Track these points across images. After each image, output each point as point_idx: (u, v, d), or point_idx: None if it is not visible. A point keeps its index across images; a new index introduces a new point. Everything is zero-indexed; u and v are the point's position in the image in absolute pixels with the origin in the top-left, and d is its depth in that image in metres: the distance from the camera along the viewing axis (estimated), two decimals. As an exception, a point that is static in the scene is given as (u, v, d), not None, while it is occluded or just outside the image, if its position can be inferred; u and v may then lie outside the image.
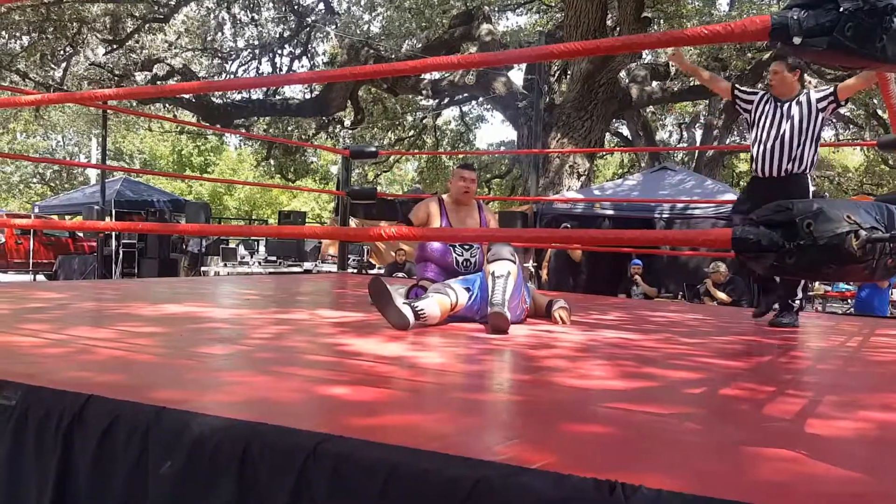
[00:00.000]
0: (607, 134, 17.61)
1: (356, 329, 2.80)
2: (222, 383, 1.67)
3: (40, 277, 14.58)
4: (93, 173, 20.89)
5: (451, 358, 2.27)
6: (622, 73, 12.28)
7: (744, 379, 2.11)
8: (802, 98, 3.60)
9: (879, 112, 16.68)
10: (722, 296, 7.28)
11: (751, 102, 3.75)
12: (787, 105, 3.61)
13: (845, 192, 19.05)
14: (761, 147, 3.64)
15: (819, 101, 3.55)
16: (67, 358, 1.92)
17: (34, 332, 2.30)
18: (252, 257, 13.25)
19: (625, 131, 20.06)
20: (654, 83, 13.45)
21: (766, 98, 3.71)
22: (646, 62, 14.10)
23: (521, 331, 2.98)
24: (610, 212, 8.97)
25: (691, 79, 15.01)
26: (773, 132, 3.61)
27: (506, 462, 1.06)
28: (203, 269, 11.56)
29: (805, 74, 15.85)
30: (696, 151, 19.26)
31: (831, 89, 3.58)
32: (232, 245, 13.44)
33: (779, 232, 1.13)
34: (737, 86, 3.92)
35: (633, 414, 1.55)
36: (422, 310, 2.83)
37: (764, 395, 1.83)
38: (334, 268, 10.08)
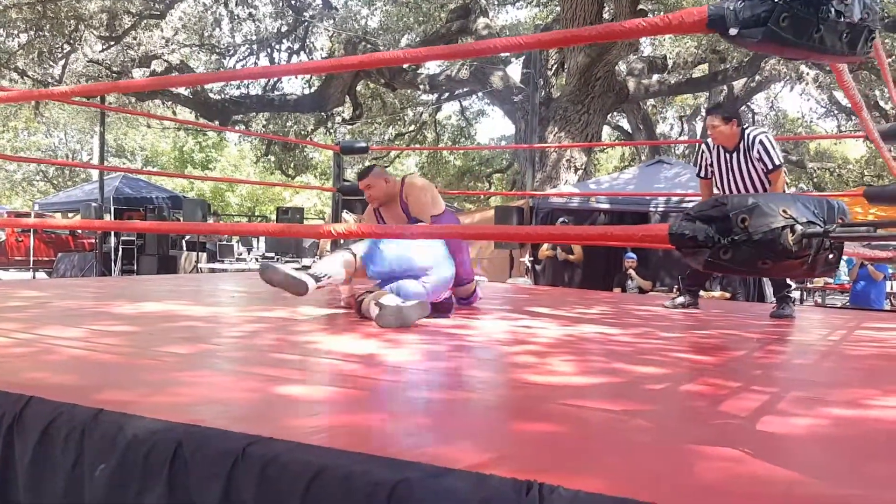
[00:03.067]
0: (608, 127, 17.53)
1: (334, 326, 2.79)
2: (174, 384, 1.65)
3: (41, 275, 14.64)
4: (94, 170, 20.90)
5: (420, 355, 2.25)
6: (620, 67, 12.21)
7: (711, 375, 2.09)
8: (743, 145, 3.82)
9: (881, 103, 16.59)
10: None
11: (710, 156, 4.01)
12: (733, 155, 3.88)
13: (846, 184, 18.96)
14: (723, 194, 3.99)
15: (758, 160, 3.78)
16: (29, 358, 1.91)
17: (2, 332, 2.29)
18: (249, 254, 13.24)
19: (625, 124, 19.96)
20: (654, 76, 13.38)
21: (717, 148, 3.96)
22: (644, 55, 14.02)
23: (499, 326, 2.96)
24: (605, 206, 8.92)
25: (690, 71, 14.96)
26: (727, 182, 3.94)
27: (431, 463, 1.04)
28: (199, 266, 11.56)
29: (803, 67, 15.49)
30: (697, 144, 19.17)
31: (766, 160, 3.75)
32: (230, 242, 13.42)
33: (714, 227, 1.11)
34: (702, 166, 4.13)
35: (586, 411, 1.53)
36: (323, 273, 2.84)
37: (726, 392, 1.81)
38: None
